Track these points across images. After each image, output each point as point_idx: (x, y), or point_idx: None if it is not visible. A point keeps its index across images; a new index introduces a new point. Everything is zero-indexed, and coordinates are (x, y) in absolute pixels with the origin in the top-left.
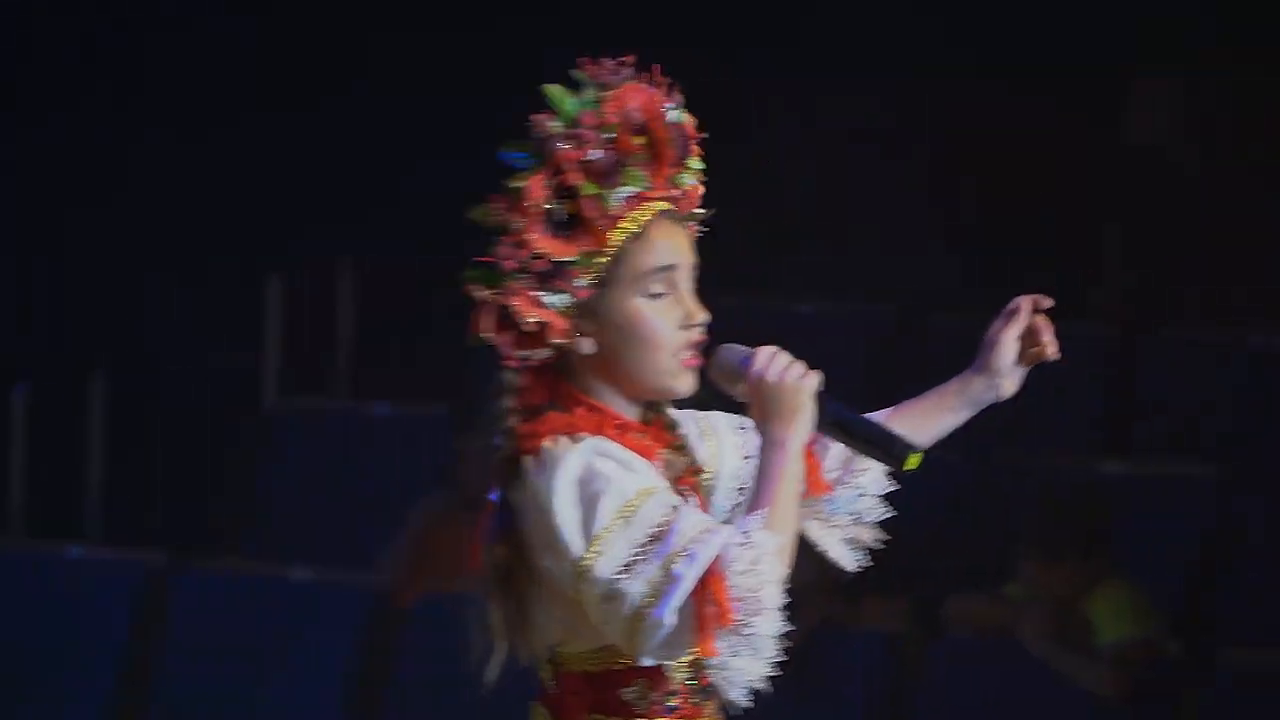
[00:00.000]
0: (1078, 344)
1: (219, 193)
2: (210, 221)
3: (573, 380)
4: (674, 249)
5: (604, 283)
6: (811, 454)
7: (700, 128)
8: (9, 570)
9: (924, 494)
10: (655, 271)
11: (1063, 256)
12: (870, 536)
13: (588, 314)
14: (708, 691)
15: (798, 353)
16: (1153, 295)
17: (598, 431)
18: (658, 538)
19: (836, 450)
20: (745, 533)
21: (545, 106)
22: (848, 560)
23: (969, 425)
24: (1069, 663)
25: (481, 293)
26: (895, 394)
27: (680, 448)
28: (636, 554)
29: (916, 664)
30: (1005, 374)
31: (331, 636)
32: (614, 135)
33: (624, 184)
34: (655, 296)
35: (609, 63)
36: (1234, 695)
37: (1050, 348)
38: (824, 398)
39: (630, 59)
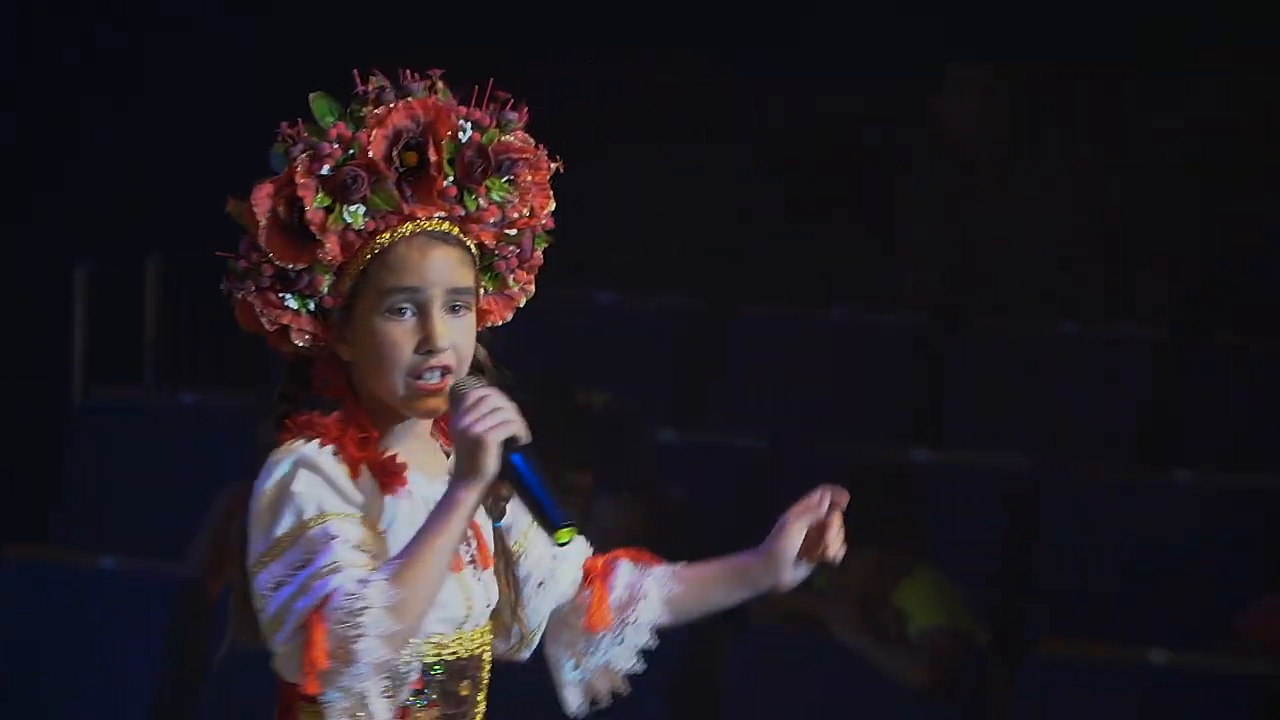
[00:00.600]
0: (888, 333)
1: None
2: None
3: (358, 383)
4: (423, 270)
5: (355, 294)
6: (603, 584)
7: (523, 150)
8: None
9: (729, 481)
10: (394, 291)
11: (873, 247)
12: (608, 689)
13: (343, 324)
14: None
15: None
16: (964, 283)
17: (335, 440)
18: (305, 564)
19: (621, 589)
20: (361, 582)
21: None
22: (574, 706)
23: (778, 412)
24: (878, 653)
25: (230, 288)
26: (701, 387)
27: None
28: (287, 575)
29: (721, 655)
30: (785, 566)
31: (140, 625)
32: (355, 152)
33: (366, 201)
34: (396, 317)
35: (405, 75)
36: (1042, 685)
37: (832, 549)
38: (515, 450)
39: (438, 72)
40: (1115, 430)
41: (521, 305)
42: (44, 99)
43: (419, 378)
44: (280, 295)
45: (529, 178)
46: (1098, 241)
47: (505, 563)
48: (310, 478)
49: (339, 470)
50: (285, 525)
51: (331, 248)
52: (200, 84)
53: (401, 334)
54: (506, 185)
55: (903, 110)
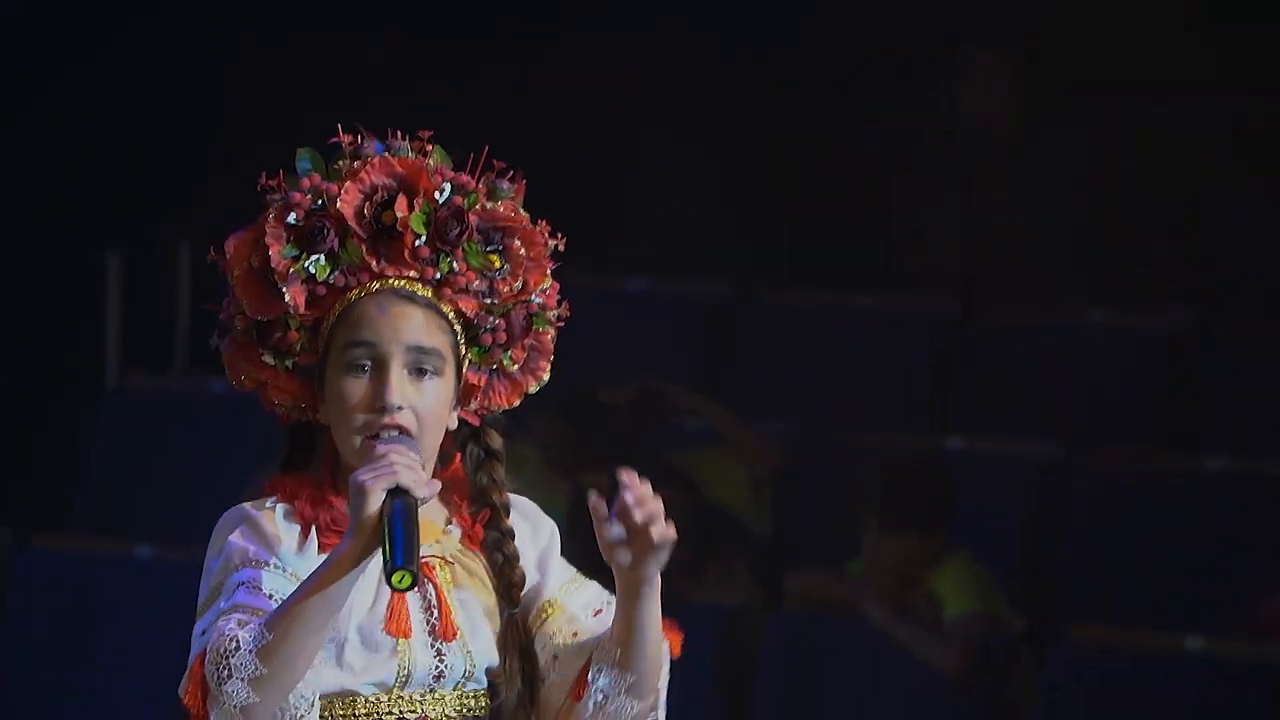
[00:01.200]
0: (915, 320)
1: (64, 166)
2: (53, 196)
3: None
4: (380, 325)
5: (325, 352)
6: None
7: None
8: None
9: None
10: (352, 345)
11: (893, 238)
12: None
13: (320, 383)
14: None
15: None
16: (987, 275)
17: (289, 499)
18: (216, 590)
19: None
20: (240, 623)
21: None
22: None
23: (804, 400)
24: (912, 637)
25: (216, 343)
26: (727, 372)
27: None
28: (210, 623)
29: (756, 639)
30: (621, 567)
31: (171, 614)
32: (325, 203)
33: (334, 254)
34: (354, 373)
35: (394, 135)
36: (1072, 671)
37: (635, 523)
38: (399, 499)
39: (426, 133)
40: (1144, 417)
41: (532, 391)
42: (78, 86)
43: (375, 437)
44: (259, 351)
45: (521, 250)
46: (1121, 227)
47: (516, 649)
48: (244, 531)
49: (281, 526)
50: (217, 575)
51: (294, 298)
52: (235, 72)
53: (356, 389)
54: (488, 254)
55: (923, 96)
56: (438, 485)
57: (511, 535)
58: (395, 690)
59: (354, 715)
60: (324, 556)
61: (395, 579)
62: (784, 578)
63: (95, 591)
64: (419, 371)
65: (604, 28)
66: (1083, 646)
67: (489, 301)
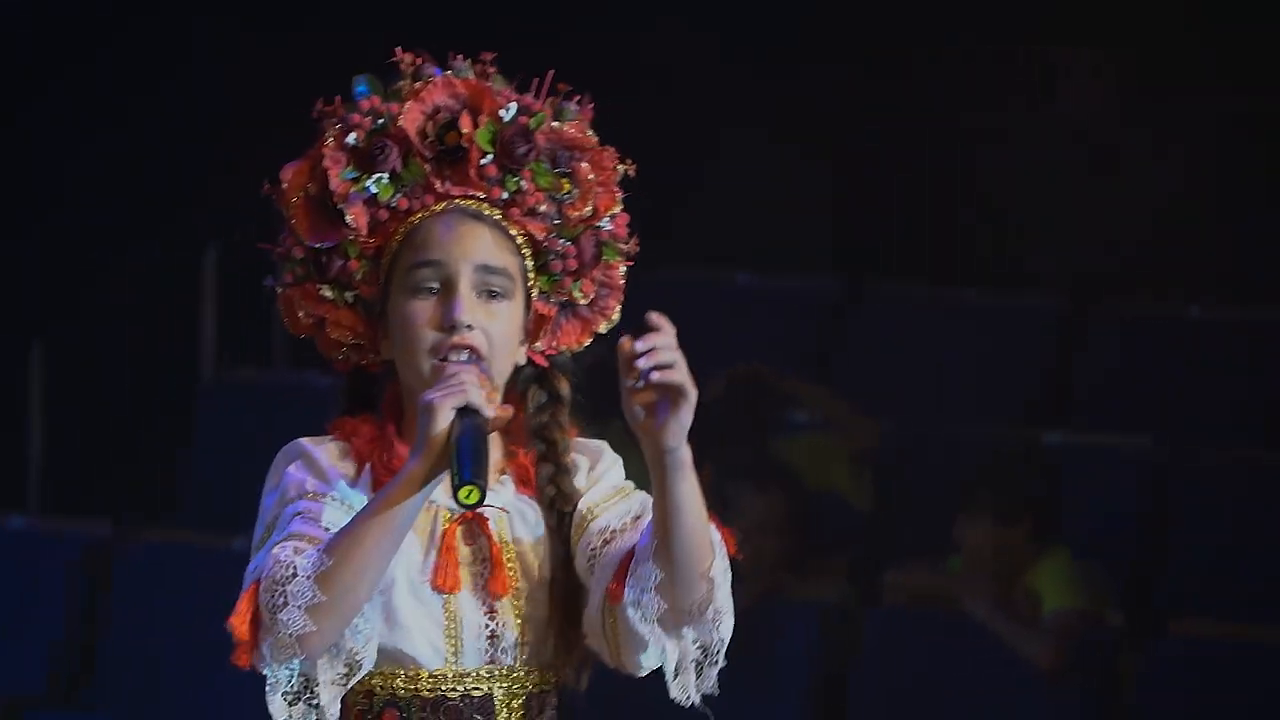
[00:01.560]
0: (1021, 316)
1: (157, 163)
2: (150, 193)
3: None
4: (448, 244)
5: (388, 280)
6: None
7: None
8: None
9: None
10: (418, 266)
11: (1007, 229)
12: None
13: (383, 314)
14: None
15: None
16: (1095, 268)
17: (347, 437)
18: (270, 527)
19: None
20: (297, 550)
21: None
22: (647, 667)
23: (912, 394)
24: (1011, 633)
25: (272, 283)
26: (838, 363)
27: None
28: (263, 558)
29: (856, 634)
30: (642, 428)
31: None
32: (386, 123)
33: (396, 175)
34: (422, 294)
35: (454, 57)
36: (1173, 666)
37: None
38: (468, 419)
39: (488, 56)
40: (1246, 412)
41: (601, 331)
42: (176, 81)
43: (444, 359)
44: (316, 285)
45: (590, 174)
46: (1227, 225)
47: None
48: (300, 465)
49: (337, 461)
50: (271, 513)
51: (355, 219)
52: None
53: (424, 311)
54: (557, 175)
55: (1027, 93)
56: (510, 410)
57: (567, 471)
58: (451, 658)
59: (417, 691)
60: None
61: (463, 494)
62: (885, 573)
63: (195, 584)
64: (488, 294)
65: (609, 27)
66: (1183, 641)
67: (557, 225)
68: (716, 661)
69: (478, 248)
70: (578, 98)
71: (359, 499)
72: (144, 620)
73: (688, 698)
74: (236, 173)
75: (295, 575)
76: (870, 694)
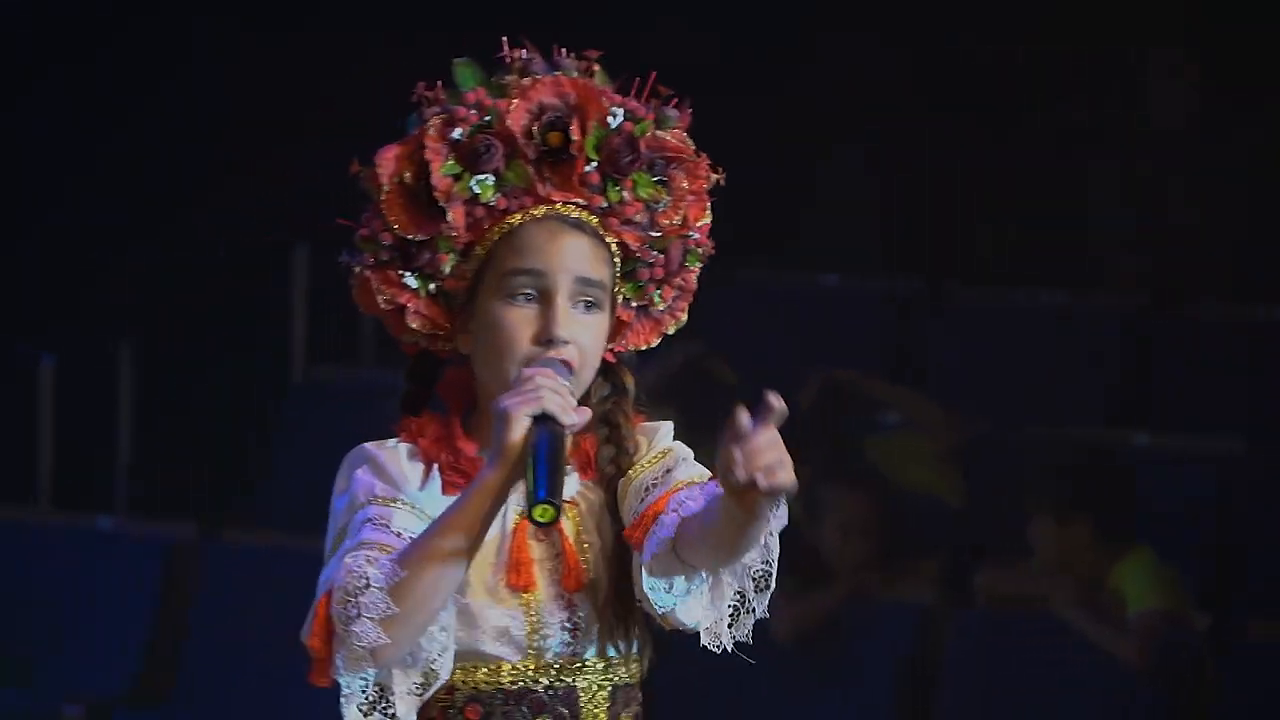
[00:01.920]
0: (1100, 317)
1: (245, 164)
2: (237, 193)
3: (471, 381)
4: (549, 254)
5: (478, 278)
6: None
7: (683, 151)
8: (39, 542)
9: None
10: (518, 273)
11: (1084, 232)
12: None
13: (465, 311)
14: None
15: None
16: (1172, 271)
17: (413, 438)
18: (341, 533)
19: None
20: (369, 560)
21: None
22: (691, 622)
23: (992, 396)
24: (1098, 633)
25: (349, 261)
26: (920, 365)
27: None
28: (335, 566)
29: (945, 635)
30: (733, 492)
31: None
32: (495, 120)
33: (498, 174)
34: (519, 302)
35: (558, 52)
36: (1257, 667)
37: (756, 466)
38: (546, 427)
39: (594, 53)
40: None
41: (670, 332)
42: (264, 76)
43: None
44: (400, 272)
45: (684, 183)
46: None
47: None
48: (369, 470)
49: (405, 465)
50: (342, 518)
51: (455, 219)
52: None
53: (520, 320)
54: (656, 184)
55: (1109, 94)
56: (587, 414)
57: (628, 452)
58: (533, 653)
59: (500, 685)
60: (450, 497)
61: (537, 512)
62: (973, 574)
63: (283, 585)
64: (584, 305)
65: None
66: (1267, 643)
67: (651, 235)
68: (753, 610)
69: (578, 259)
70: (675, 101)
71: (430, 502)
72: (230, 621)
73: (719, 646)
74: (322, 172)
75: (368, 586)
76: (958, 695)
